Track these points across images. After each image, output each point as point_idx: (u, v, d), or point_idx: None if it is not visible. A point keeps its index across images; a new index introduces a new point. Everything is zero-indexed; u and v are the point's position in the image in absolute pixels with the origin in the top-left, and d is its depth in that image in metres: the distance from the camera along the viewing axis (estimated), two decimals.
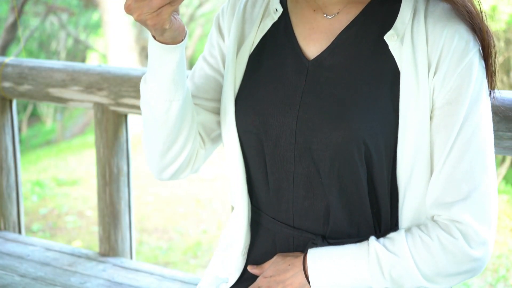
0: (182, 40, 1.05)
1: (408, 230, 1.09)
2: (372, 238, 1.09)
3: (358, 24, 1.12)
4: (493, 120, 1.40)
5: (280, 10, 1.20)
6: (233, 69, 1.20)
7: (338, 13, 1.14)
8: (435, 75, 1.06)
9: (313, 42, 1.15)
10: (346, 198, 1.11)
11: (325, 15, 1.15)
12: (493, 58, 1.10)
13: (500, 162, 6.55)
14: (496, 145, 1.43)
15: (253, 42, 1.21)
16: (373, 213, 1.13)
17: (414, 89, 1.05)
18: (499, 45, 6.06)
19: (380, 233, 1.14)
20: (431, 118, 1.07)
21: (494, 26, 5.76)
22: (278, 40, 1.18)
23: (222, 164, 7.40)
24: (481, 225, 1.04)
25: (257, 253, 1.24)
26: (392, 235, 1.09)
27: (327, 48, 1.13)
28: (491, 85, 1.13)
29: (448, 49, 1.05)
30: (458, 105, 1.04)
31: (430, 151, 1.07)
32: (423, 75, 1.05)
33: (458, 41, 1.05)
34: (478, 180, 1.04)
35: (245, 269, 1.26)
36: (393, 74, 1.07)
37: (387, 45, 1.08)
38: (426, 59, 1.06)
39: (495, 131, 1.42)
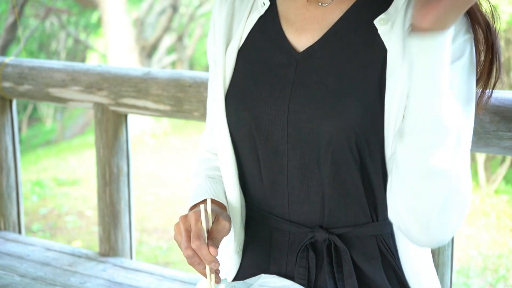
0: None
1: None
2: None
3: (352, 14, 1.12)
4: (493, 120, 1.41)
5: (267, 3, 1.20)
6: (223, 65, 1.21)
7: (332, 0, 1.14)
8: None
9: (304, 33, 1.15)
10: (341, 188, 1.11)
11: (320, 4, 1.15)
12: (490, 52, 1.08)
13: (500, 162, 6.55)
14: (496, 145, 1.43)
15: (241, 37, 1.21)
16: (369, 202, 1.13)
17: (401, 72, 1.05)
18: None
19: (377, 222, 1.14)
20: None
21: (495, 25, 5.76)
22: (266, 34, 1.18)
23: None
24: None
25: (253, 250, 1.24)
26: None
27: (319, 40, 1.13)
28: (487, 85, 1.11)
29: None
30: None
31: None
32: None
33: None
34: (462, 134, 0.98)
35: (240, 268, 1.26)
36: (383, 58, 1.07)
37: (377, 30, 1.08)
38: None
39: (495, 131, 1.42)
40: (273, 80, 1.14)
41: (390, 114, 1.06)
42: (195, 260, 1.04)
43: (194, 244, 1.02)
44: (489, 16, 1.08)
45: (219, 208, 1.15)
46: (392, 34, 1.07)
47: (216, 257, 1.28)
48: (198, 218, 1.04)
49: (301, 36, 1.15)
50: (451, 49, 1.00)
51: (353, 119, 1.05)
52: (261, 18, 1.20)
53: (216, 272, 1.07)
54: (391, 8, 1.09)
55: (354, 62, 1.09)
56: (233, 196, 1.22)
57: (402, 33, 1.06)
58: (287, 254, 1.19)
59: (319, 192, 1.13)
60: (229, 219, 1.11)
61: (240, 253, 1.26)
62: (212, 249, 1.02)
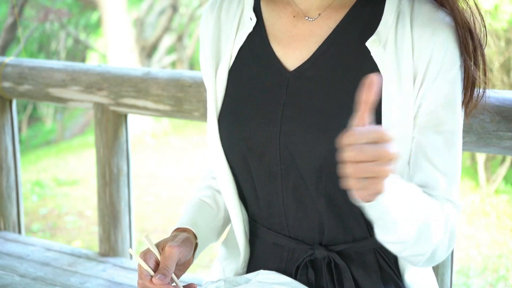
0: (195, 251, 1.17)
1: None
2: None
3: (341, 31, 1.09)
4: (493, 120, 1.41)
5: (254, 19, 1.16)
6: (213, 86, 1.18)
7: (319, 14, 1.11)
8: (423, 82, 1.04)
9: (292, 50, 1.12)
10: (337, 207, 1.10)
11: (306, 18, 1.12)
12: (480, 56, 1.09)
13: (500, 162, 6.54)
14: (496, 145, 1.43)
15: (231, 56, 1.17)
16: (365, 218, 1.12)
17: (397, 95, 1.04)
18: (499, 44, 6.05)
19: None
20: (416, 122, 1.07)
21: (496, 25, 5.76)
22: (255, 52, 1.15)
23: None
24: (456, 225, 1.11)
25: (256, 265, 1.23)
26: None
27: (308, 59, 1.10)
28: (472, 91, 1.11)
29: (438, 56, 1.03)
30: (446, 110, 1.06)
31: (423, 152, 1.08)
32: (406, 82, 1.04)
33: (448, 48, 1.04)
34: (458, 176, 1.11)
35: None
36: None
37: (369, 51, 1.06)
38: (412, 66, 1.04)
39: (495, 131, 1.41)
40: (264, 101, 1.12)
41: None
42: None
43: (139, 284, 1.08)
44: (472, 21, 1.07)
45: (171, 235, 1.16)
46: (386, 57, 1.05)
47: (222, 265, 1.29)
48: (140, 263, 1.09)
49: (289, 53, 1.12)
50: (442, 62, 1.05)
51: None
52: (249, 35, 1.16)
53: (190, 286, 1.10)
54: (380, 27, 1.06)
55: (345, 83, 1.07)
56: (234, 214, 1.20)
57: (395, 54, 1.04)
58: (284, 270, 1.18)
59: (315, 211, 1.12)
60: (181, 244, 1.11)
61: (245, 269, 1.24)
62: (154, 280, 1.04)
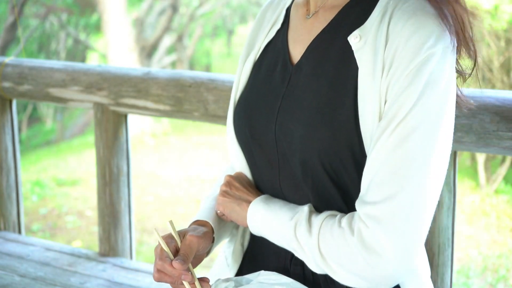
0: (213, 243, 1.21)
1: (335, 213, 1.08)
2: (307, 206, 1.10)
3: (334, 26, 1.11)
4: (493, 120, 1.40)
5: (283, 17, 1.23)
6: (239, 74, 1.26)
7: (316, 12, 1.15)
8: (388, 75, 1.00)
9: (297, 45, 1.17)
10: (325, 202, 1.11)
11: (307, 16, 1.17)
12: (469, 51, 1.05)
13: (500, 162, 6.55)
14: (496, 145, 1.43)
15: (260, 48, 1.25)
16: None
17: (370, 90, 1.02)
18: (499, 44, 6.05)
19: None
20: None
21: (496, 25, 5.76)
22: (276, 47, 1.21)
23: (222, 166, 7.39)
24: (386, 237, 0.98)
25: (255, 252, 1.26)
26: (325, 211, 1.09)
27: (304, 53, 1.14)
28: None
29: (402, 48, 0.99)
30: (398, 106, 0.98)
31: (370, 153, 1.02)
32: (378, 77, 1.01)
33: (414, 40, 0.98)
34: (399, 187, 0.97)
35: (242, 264, 1.27)
36: (356, 77, 1.04)
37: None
38: (382, 59, 1.01)
39: (495, 131, 1.41)
40: (269, 92, 1.16)
41: (366, 135, 1.03)
42: (166, 280, 1.09)
43: (157, 265, 1.10)
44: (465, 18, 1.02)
45: (191, 227, 1.21)
46: (364, 52, 1.03)
47: (225, 254, 1.32)
48: (160, 246, 1.11)
49: (295, 48, 1.17)
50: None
51: (324, 141, 1.04)
52: (278, 32, 1.23)
53: (204, 280, 1.11)
54: (367, 23, 1.05)
55: (330, 79, 1.06)
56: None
57: (373, 49, 1.02)
58: (284, 264, 1.20)
59: (308, 203, 1.13)
60: (202, 235, 1.14)
61: (244, 245, 1.28)
62: (174, 263, 1.07)
